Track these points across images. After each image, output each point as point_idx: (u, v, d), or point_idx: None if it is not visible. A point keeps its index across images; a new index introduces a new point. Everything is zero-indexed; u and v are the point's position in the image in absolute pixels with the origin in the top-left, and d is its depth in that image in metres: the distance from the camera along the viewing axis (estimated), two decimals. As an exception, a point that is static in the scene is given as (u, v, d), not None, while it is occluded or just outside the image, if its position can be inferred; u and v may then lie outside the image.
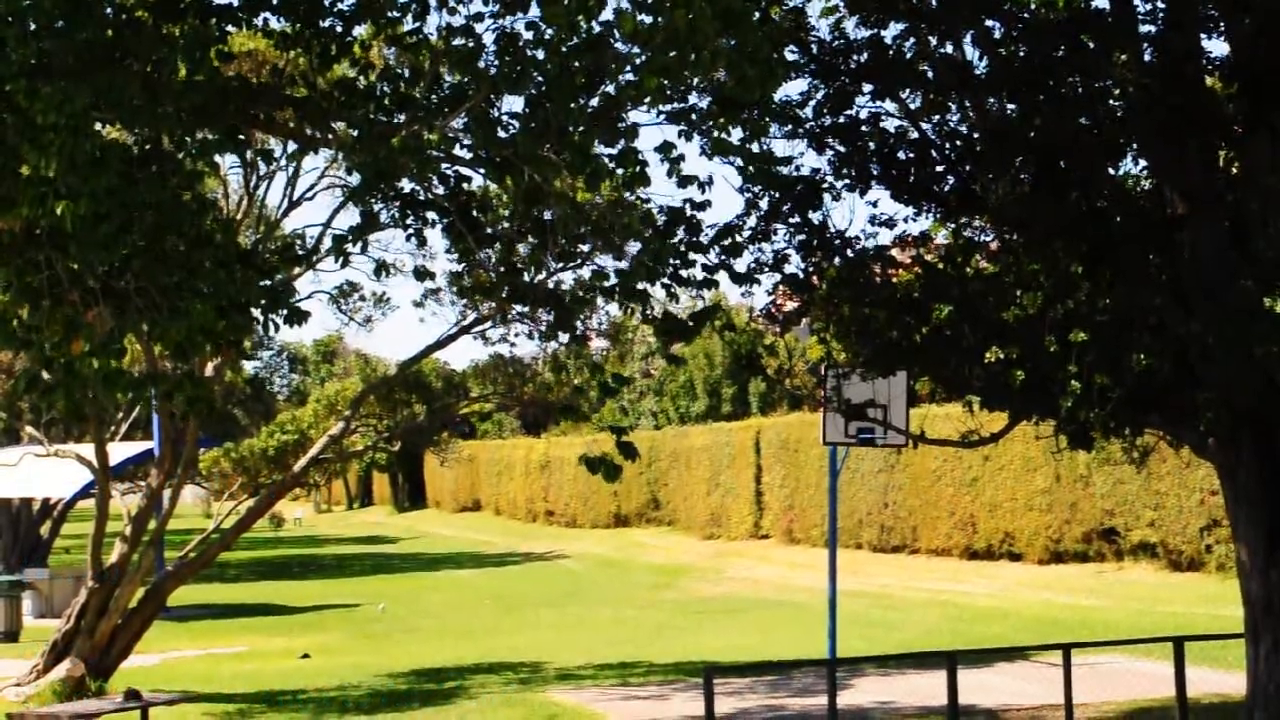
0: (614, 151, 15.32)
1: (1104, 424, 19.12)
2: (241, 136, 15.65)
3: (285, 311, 14.86)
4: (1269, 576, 19.10)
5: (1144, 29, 18.41)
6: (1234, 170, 18.95)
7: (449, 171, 16.60)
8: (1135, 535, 38.43)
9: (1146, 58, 18.43)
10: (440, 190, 16.95)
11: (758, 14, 15.60)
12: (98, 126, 13.93)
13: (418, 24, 14.96)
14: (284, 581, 55.03)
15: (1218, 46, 18.29)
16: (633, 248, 17.80)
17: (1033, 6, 18.42)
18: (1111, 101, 18.74)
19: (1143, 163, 19.88)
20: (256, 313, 14.70)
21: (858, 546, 46.82)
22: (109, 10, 13.33)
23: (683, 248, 17.74)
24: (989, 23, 18.54)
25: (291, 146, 25.69)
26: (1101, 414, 18.72)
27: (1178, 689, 20.42)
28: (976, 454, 38.36)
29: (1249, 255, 18.04)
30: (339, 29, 14.74)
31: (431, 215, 17.48)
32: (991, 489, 43.03)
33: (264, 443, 38.58)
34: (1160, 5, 18.20)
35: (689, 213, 17.51)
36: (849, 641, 24.99)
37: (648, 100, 15.31)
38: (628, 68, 14.59)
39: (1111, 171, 19.83)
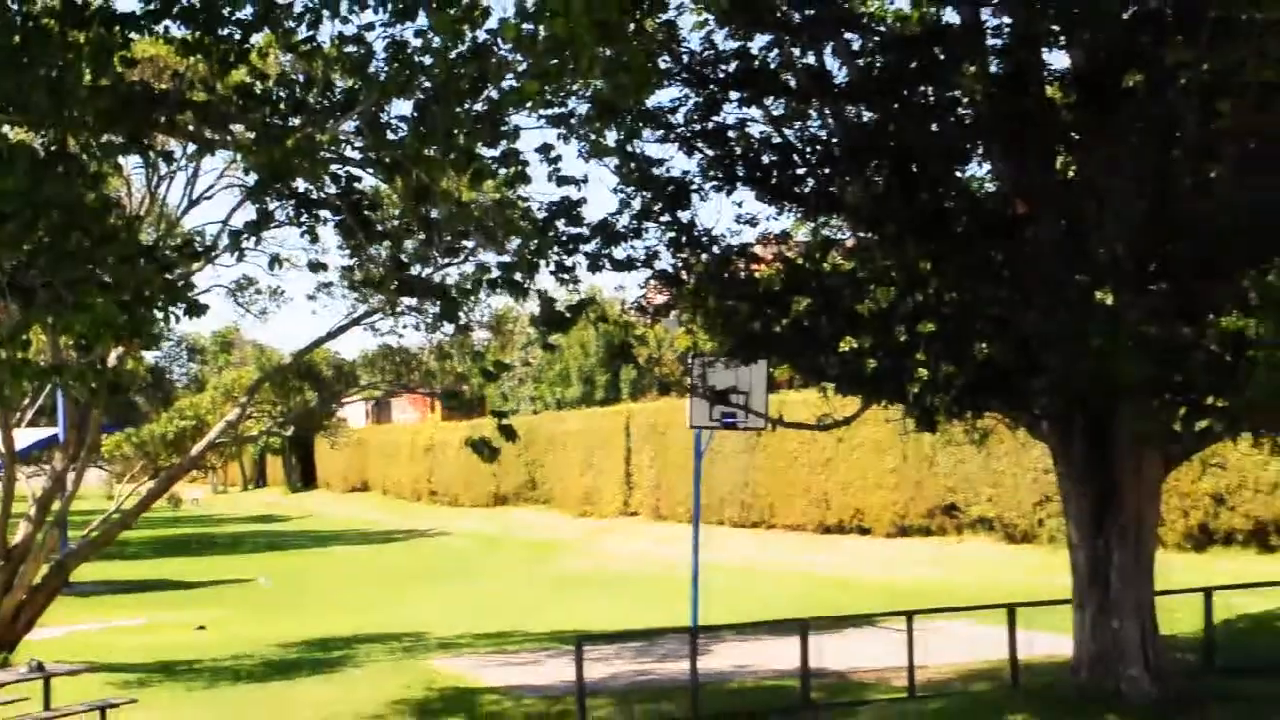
0: (497, 153, 15.23)
1: (948, 408, 19.32)
2: (144, 139, 15.38)
3: (184, 304, 14.61)
4: (1095, 548, 19.41)
5: (991, 42, 18.49)
6: (1070, 174, 19.12)
7: (341, 172, 16.41)
8: (975, 511, 38.88)
9: (992, 69, 18.56)
10: (333, 189, 16.75)
11: (633, 25, 15.53)
12: (5, 129, 13.66)
13: (312, 32, 14.74)
14: (181, 558, 54.39)
15: (1058, 59, 18.45)
16: (514, 243, 17.69)
17: (889, 21, 18.49)
18: (960, 109, 18.86)
19: (987, 166, 20.07)
20: (157, 306, 14.46)
21: (720, 523, 46.87)
22: (16, 17, 13.03)
23: (564, 239, 17.69)
24: (848, 36, 18.60)
25: (192, 148, 25.36)
26: (946, 399, 18.93)
27: (1010, 650, 20.74)
28: (830, 436, 38.42)
29: (1084, 253, 18.24)
30: (237, 37, 14.47)
31: (324, 213, 17.29)
32: (844, 469, 43.32)
33: (164, 428, 38.10)
34: (1006, 21, 18.25)
35: (569, 206, 17.45)
36: (711, 611, 25.04)
37: (529, 105, 15.20)
38: (510, 74, 14.45)
39: (958, 174, 19.98)
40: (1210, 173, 18.11)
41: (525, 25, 13.79)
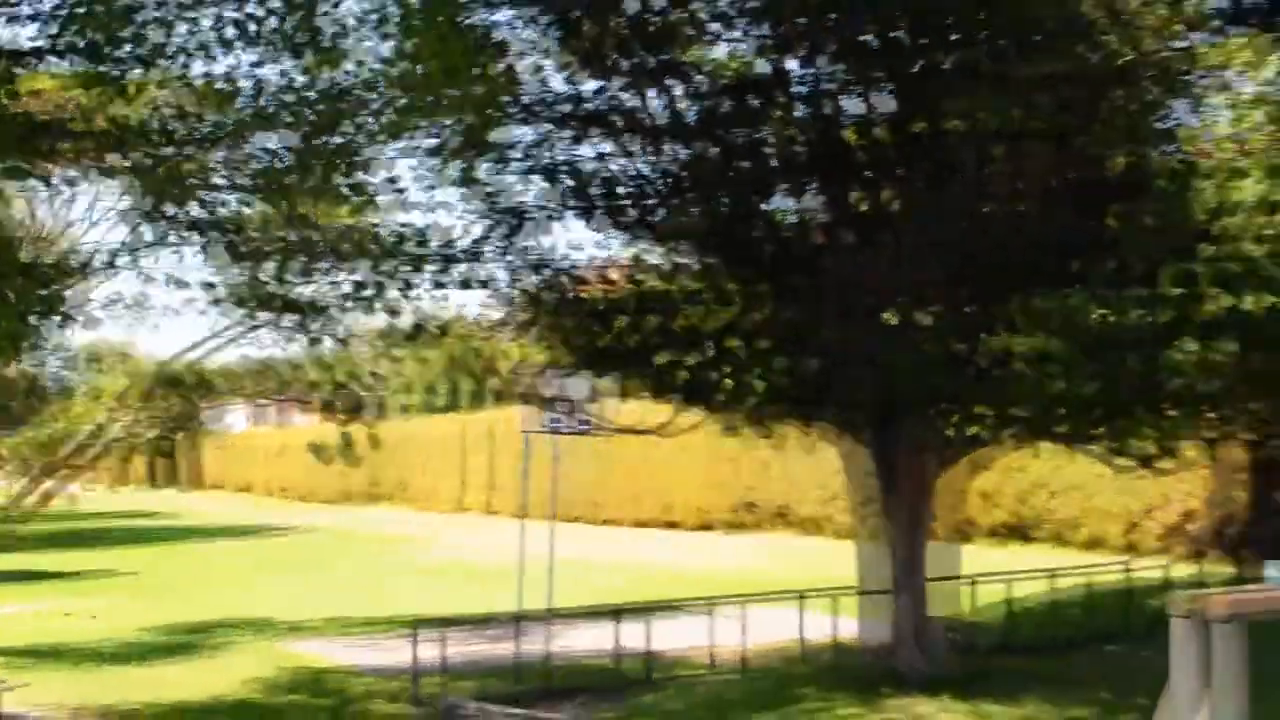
0: (374, 181, 15.56)
1: (780, 416, 19.84)
2: (27, 166, 15.47)
3: (59, 317, 14.76)
4: (905, 542, 20.03)
5: (797, 89, 19.01)
6: (864, 209, 19.58)
7: (209, 197, 16.59)
8: (803, 509, 39.53)
9: (798, 113, 19.11)
10: (223, 213, 16.93)
11: (480, 70, 15.89)
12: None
13: (206, 69, 14.92)
14: (54, 551, 53.35)
15: (855, 105, 18.98)
16: (366, 264, 17.99)
17: (707, 68, 18.95)
18: (768, 149, 19.37)
19: (791, 200, 20.48)
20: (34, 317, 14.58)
21: (571, 519, 47.06)
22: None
23: (412, 260, 17.99)
24: (670, 81, 19.02)
25: (73, 173, 25.23)
26: (778, 408, 19.42)
27: (801, 633, 21.34)
28: (673, 441, 38.99)
29: (900, 277, 18.74)
30: (118, 73, 14.62)
31: (214, 235, 17.45)
32: (685, 471, 43.73)
33: (37, 432, 37.59)
34: (810, 71, 18.79)
35: (418, 232, 17.78)
36: (540, 599, 25.26)
37: (405, 137, 15.53)
38: (388, 110, 14.78)
39: (766, 207, 20.45)
40: (1015, 207, 18.70)
41: (383, 68, 14.16)
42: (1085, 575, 24.34)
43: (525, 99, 18.95)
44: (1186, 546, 28.61)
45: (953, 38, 17.24)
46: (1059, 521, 32.88)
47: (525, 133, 19.42)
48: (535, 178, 19.63)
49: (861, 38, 17.64)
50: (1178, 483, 28.56)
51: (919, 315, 18.17)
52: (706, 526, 42.29)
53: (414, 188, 16.75)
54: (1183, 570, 26.04)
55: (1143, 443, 19.09)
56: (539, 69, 18.73)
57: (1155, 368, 16.44)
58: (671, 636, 21.78)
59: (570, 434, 25.14)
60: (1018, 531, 33.69)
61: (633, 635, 20.96)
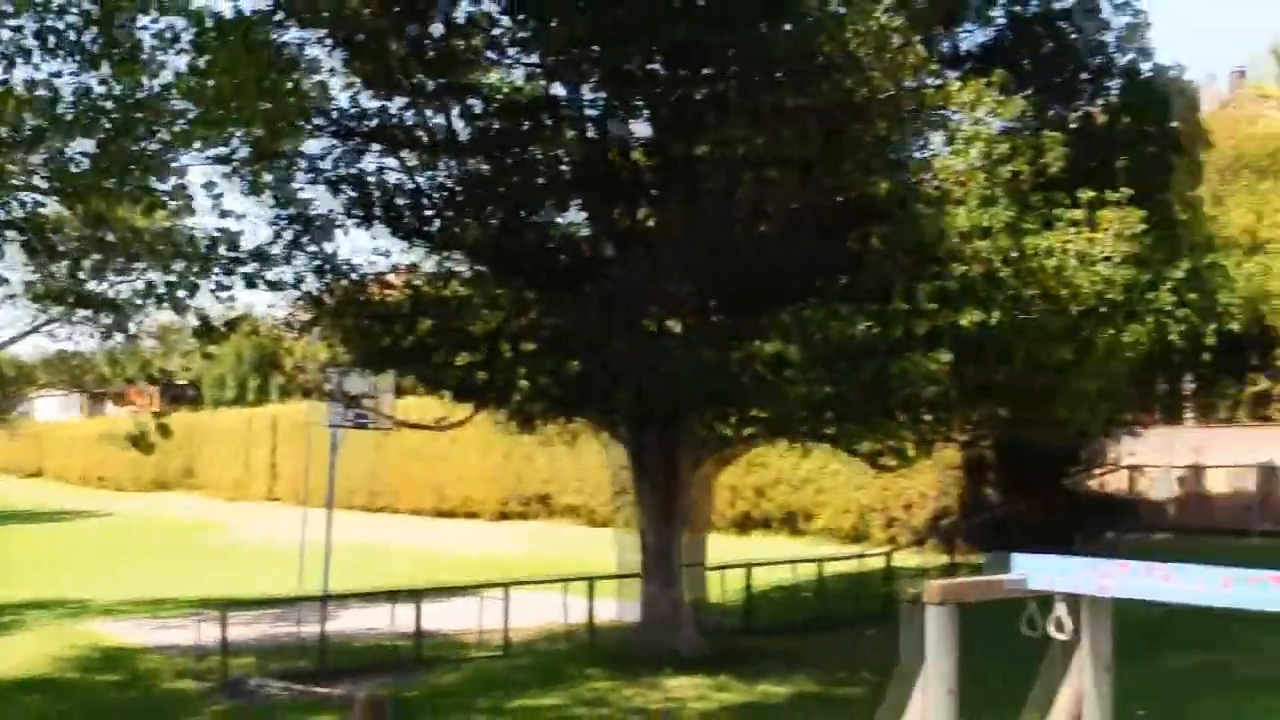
0: (167, 187, 15.34)
1: (545, 414, 19.98)
2: None
3: None
4: (659, 531, 20.34)
5: (587, 113, 19.27)
6: (650, 224, 19.91)
7: (28, 198, 16.21)
8: (565, 499, 39.76)
9: (566, 136, 19.33)
10: (20, 213, 16.52)
11: (290, 84, 15.81)
12: None
13: (6, 76, 14.55)
14: None
15: (641, 128, 19.24)
16: (180, 265, 17.74)
17: (504, 91, 19.00)
18: (559, 166, 19.62)
19: (582, 214, 20.82)
20: None
21: (351, 508, 46.77)
22: None
23: (223, 262, 17.79)
24: (470, 101, 19.09)
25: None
26: (544, 406, 19.56)
27: (589, 616, 21.81)
28: (446, 435, 38.88)
29: (658, 289, 19.15)
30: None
31: (11, 234, 17.02)
32: (457, 463, 43.75)
33: None
34: (599, 96, 19.05)
35: (229, 235, 17.58)
36: (342, 582, 25.11)
37: (197, 146, 15.35)
38: (181, 120, 14.59)
39: (558, 220, 20.78)
40: (762, 228, 19.13)
41: (196, 79, 14.02)
42: (820, 563, 24.94)
43: (312, 114, 18.87)
44: (909, 537, 29.41)
45: (706, 72, 17.56)
46: (799, 513, 33.53)
47: (312, 145, 19.42)
48: (320, 188, 19.61)
49: (624, 68, 17.83)
50: (902, 479, 29.37)
51: (672, 325, 18.42)
52: (478, 515, 42.34)
53: (204, 194, 16.50)
54: (906, 559, 26.83)
55: (872, 443, 19.62)
56: (325, 86, 18.64)
57: (884, 376, 16.97)
58: (443, 618, 21.84)
59: (351, 427, 25.02)
60: (759, 522, 34.29)
61: (408, 617, 21.02)
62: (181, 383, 36.37)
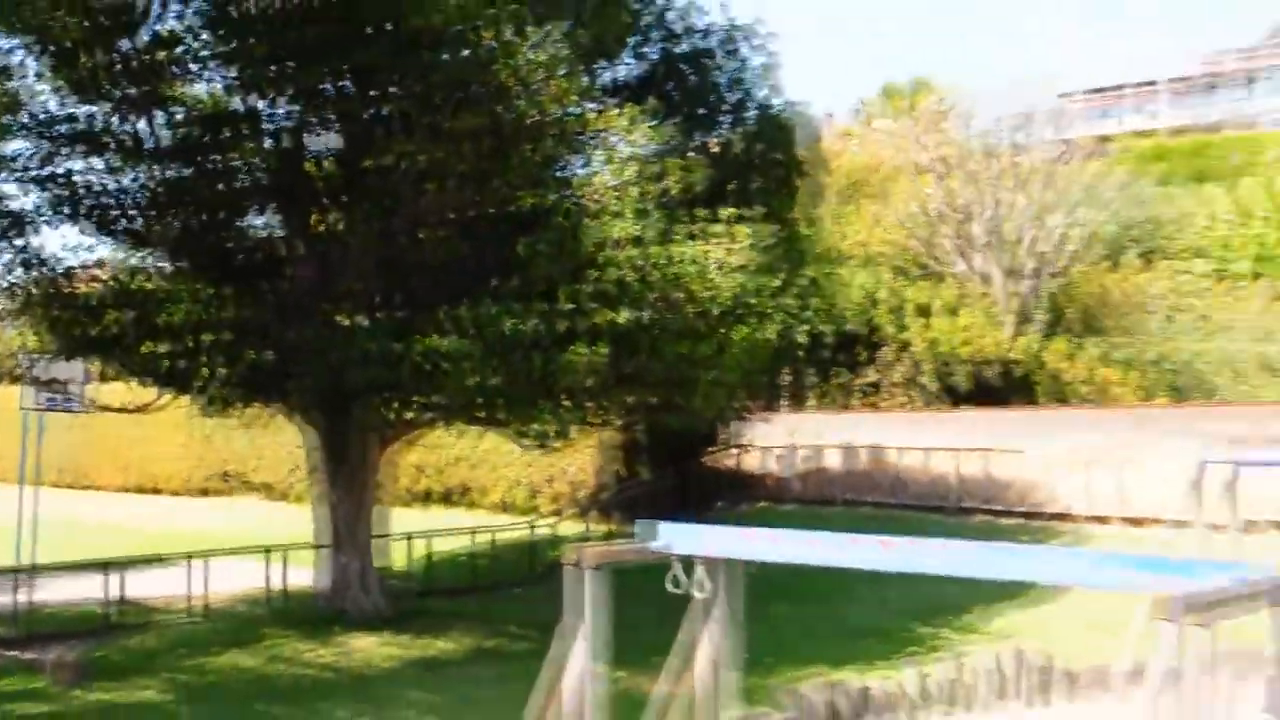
0: None
1: (239, 399, 19.48)
2: None
3: None
4: (335, 505, 20.11)
5: (264, 125, 18.79)
6: (339, 227, 19.62)
7: None
8: (262, 477, 38.87)
9: (283, 145, 18.93)
10: None
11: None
12: None
13: None
14: None
15: (332, 141, 18.95)
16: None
17: (204, 102, 18.38)
18: (244, 174, 19.03)
19: (264, 218, 20.28)
20: None
21: (59, 485, 44.66)
22: None
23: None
24: (173, 110, 18.41)
25: None
26: (237, 392, 19.08)
27: (268, 583, 21.13)
28: (151, 417, 37.51)
29: (341, 287, 18.90)
30: None
31: None
32: (160, 443, 42.29)
33: None
34: (274, 111, 18.62)
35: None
36: (51, 555, 23.91)
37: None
38: None
39: (242, 223, 20.13)
40: (441, 233, 19.13)
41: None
42: (495, 532, 25.06)
43: (41, 116, 18.03)
44: (572, 508, 29.79)
45: (391, 91, 17.41)
46: (475, 488, 33.61)
47: (17, 144, 18.38)
48: (48, 186, 18.66)
49: (316, 86, 17.56)
50: (567, 457, 29.71)
51: (360, 319, 18.24)
52: (180, 492, 41.02)
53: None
54: (571, 528, 27.17)
55: (542, 425, 19.82)
56: (57, 88, 17.79)
57: (550, 367, 17.14)
58: (148, 587, 21.08)
59: (54, 411, 23.93)
60: (440, 497, 34.23)
61: (113, 586, 20.24)
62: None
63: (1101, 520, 26.47)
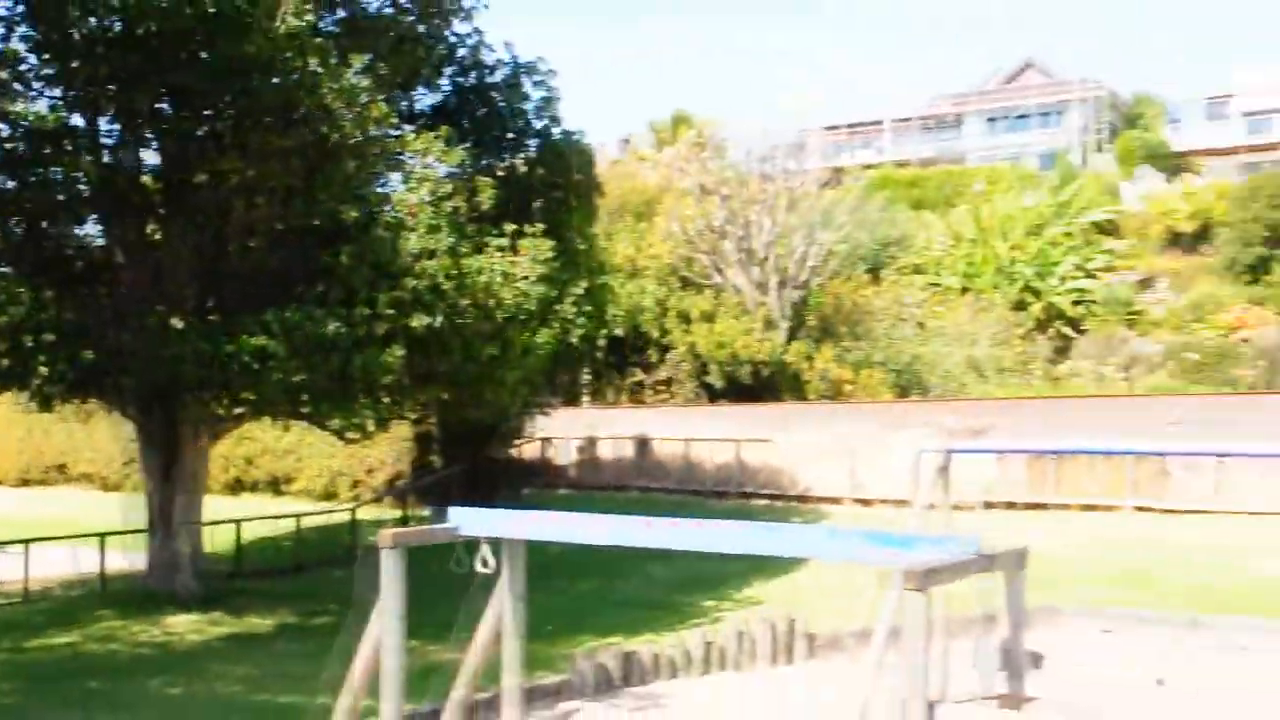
0: None
1: (63, 396, 18.83)
2: None
3: None
4: (163, 493, 19.76)
5: (104, 141, 18.49)
6: (158, 237, 19.39)
7: None
8: (80, 467, 37.46)
9: (104, 160, 18.55)
10: None
11: None
12: None
13: None
14: None
15: (151, 157, 18.46)
16: None
17: (29, 119, 17.58)
18: (78, 185, 18.59)
19: (98, 227, 19.85)
20: None
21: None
22: None
23: None
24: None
25: None
26: (61, 389, 18.47)
27: (101, 566, 20.62)
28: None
29: (163, 292, 18.64)
30: None
31: None
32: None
33: None
34: (113, 128, 18.30)
35: None
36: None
37: None
38: None
39: (75, 231, 19.72)
40: (252, 244, 18.96)
41: None
42: (298, 518, 24.62)
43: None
44: (370, 495, 29.50)
45: (206, 113, 17.25)
46: (279, 477, 32.94)
47: None
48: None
49: (136, 106, 17.20)
50: (365, 449, 29.45)
51: (175, 322, 17.76)
52: (26, 484, 39.08)
53: None
54: (368, 513, 26.88)
55: (340, 419, 19.60)
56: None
57: (350, 366, 17.15)
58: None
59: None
60: (249, 485, 33.48)
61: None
62: None
63: (835, 501, 27.39)
